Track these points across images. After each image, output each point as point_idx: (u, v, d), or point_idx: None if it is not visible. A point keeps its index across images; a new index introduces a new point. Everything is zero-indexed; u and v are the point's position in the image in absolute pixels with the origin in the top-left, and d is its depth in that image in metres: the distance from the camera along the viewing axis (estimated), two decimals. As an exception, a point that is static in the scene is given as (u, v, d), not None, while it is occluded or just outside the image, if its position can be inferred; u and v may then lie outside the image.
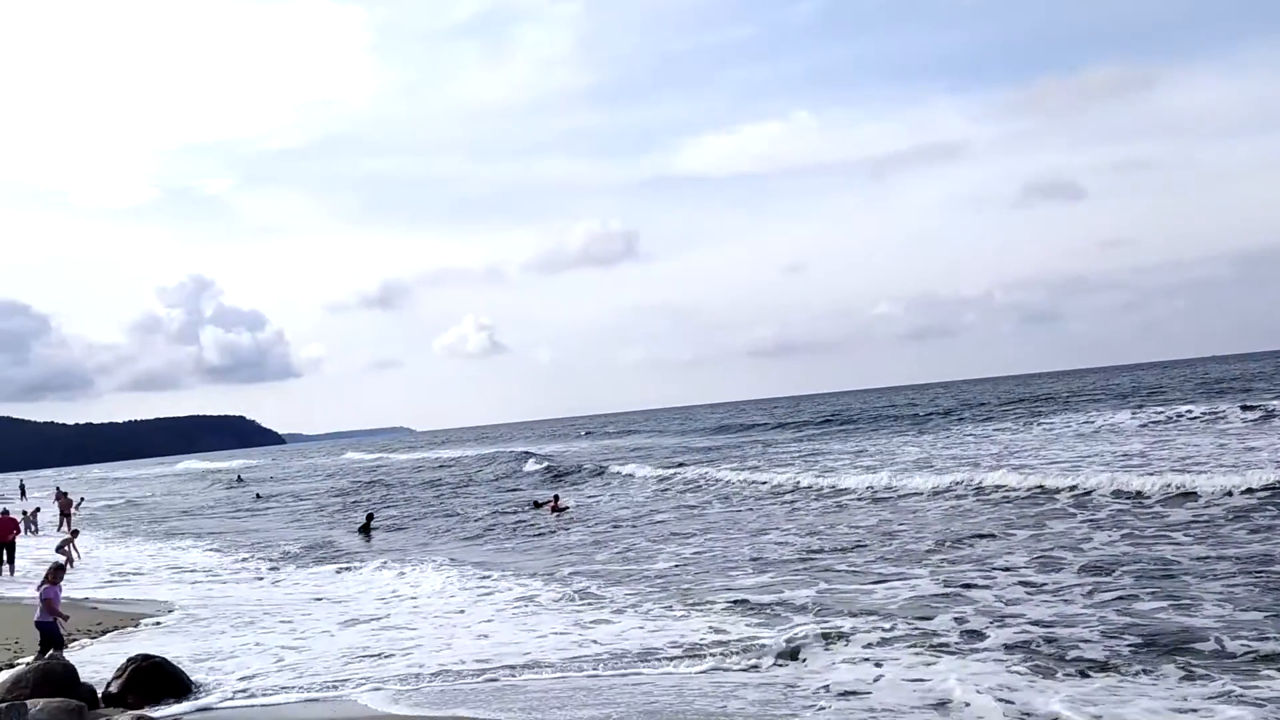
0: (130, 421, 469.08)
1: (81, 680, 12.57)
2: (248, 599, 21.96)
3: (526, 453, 73.68)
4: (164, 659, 13.63)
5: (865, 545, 22.42)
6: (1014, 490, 27.88)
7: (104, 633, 17.96)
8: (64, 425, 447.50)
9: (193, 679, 13.66)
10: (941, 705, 10.96)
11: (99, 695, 12.69)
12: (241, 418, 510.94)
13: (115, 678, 13.22)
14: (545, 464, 59.39)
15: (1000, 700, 10.79)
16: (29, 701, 11.18)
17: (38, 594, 15.48)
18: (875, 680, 12.14)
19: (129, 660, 13.43)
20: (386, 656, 14.98)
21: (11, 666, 13.85)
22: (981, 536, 22.05)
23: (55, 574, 15.66)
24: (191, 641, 16.92)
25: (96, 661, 14.93)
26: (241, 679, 13.98)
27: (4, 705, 11.15)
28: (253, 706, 12.72)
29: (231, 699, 13.06)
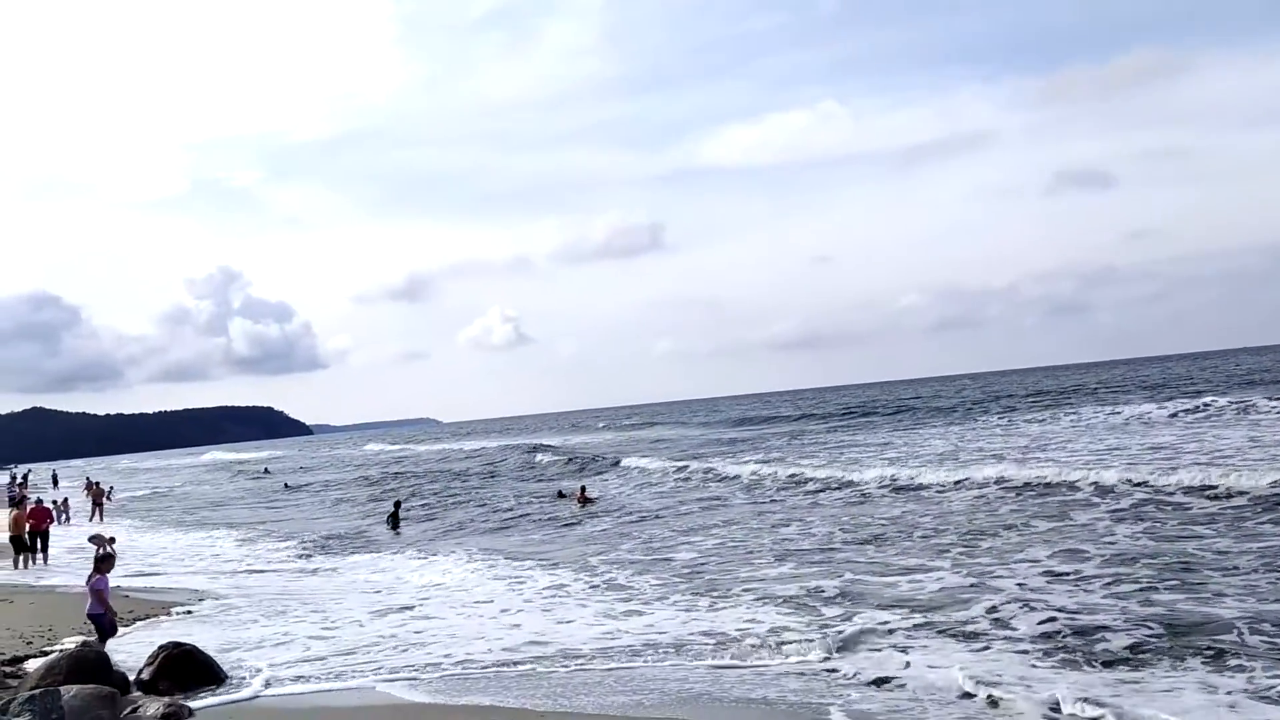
0: (159, 412, 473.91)
1: (113, 667, 12.73)
2: (278, 588, 22.19)
3: (544, 445, 73.92)
4: (194, 647, 13.77)
5: (889, 537, 22.39)
6: (1036, 482, 27.70)
7: (135, 621, 18.14)
8: (94, 416, 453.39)
9: (223, 667, 13.81)
10: (972, 695, 10.96)
11: (131, 682, 12.85)
12: (269, 408, 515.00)
13: (147, 665, 13.36)
14: (563, 457, 59.54)
15: (1030, 691, 10.79)
16: (62, 688, 11.32)
17: (87, 587, 15.48)
18: (905, 669, 12.19)
19: (160, 648, 13.56)
20: (417, 646, 15.07)
21: (45, 654, 14.03)
22: (1005, 528, 21.98)
23: (103, 565, 15.53)
24: (222, 630, 17.09)
25: (127, 649, 15.09)
26: (271, 666, 14.09)
27: (38, 691, 11.29)
28: (281, 695, 12.83)
29: (261, 688, 13.15)
